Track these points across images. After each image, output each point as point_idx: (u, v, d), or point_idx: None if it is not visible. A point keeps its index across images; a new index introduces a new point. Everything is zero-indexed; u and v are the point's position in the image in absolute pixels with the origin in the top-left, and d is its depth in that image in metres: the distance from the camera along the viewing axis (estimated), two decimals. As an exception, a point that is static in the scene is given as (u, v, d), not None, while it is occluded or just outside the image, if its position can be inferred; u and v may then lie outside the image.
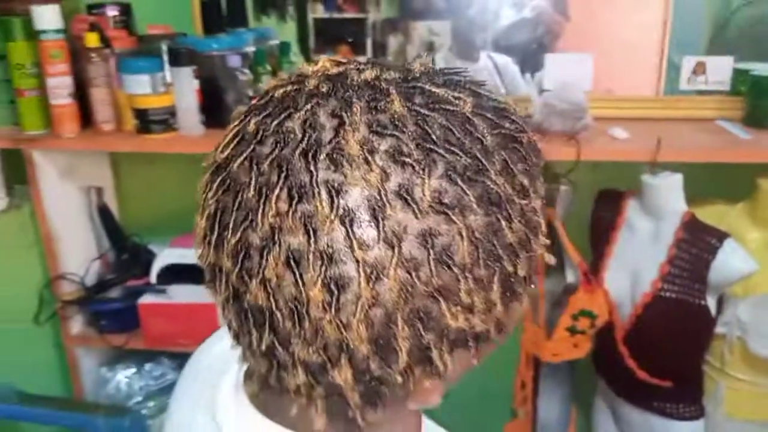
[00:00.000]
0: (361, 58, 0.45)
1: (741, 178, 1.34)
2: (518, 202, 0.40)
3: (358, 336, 0.37)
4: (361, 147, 0.37)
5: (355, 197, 0.36)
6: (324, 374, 0.39)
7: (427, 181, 0.37)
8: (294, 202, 0.36)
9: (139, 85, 1.46)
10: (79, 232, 1.68)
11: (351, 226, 0.36)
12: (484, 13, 1.70)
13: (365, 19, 1.75)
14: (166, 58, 1.49)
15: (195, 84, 1.47)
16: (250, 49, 1.57)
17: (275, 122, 0.39)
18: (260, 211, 0.37)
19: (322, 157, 0.37)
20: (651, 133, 1.39)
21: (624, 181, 1.46)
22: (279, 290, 0.37)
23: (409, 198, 0.36)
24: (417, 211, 0.36)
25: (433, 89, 0.40)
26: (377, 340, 0.38)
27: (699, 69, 1.48)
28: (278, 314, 0.38)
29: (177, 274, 1.59)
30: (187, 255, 1.57)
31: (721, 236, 1.25)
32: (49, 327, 1.63)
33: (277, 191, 0.37)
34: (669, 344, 1.33)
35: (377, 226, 0.36)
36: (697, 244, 1.27)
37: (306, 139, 0.37)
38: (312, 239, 0.36)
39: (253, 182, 0.38)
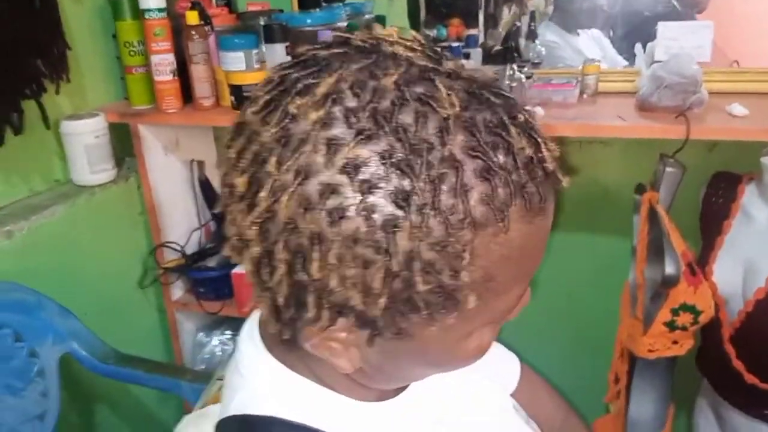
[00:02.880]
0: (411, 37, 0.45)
1: None
2: (437, 222, 0.38)
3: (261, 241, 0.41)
4: (329, 93, 0.39)
5: (302, 126, 0.39)
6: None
7: (355, 145, 0.38)
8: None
9: (235, 62, 1.48)
10: (182, 203, 1.75)
11: (286, 146, 0.40)
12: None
13: None
14: (261, 34, 1.51)
15: (288, 60, 1.48)
16: (343, 23, 1.56)
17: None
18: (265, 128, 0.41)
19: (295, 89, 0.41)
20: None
21: (744, 164, 1.31)
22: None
23: (332, 148, 0.38)
24: (329, 163, 0.38)
25: (437, 83, 0.40)
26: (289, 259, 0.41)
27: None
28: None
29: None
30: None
31: None
32: (152, 292, 1.73)
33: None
34: (785, 347, 1.18)
35: (294, 158, 0.39)
36: (824, 236, 1.11)
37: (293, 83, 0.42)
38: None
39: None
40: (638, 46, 1.45)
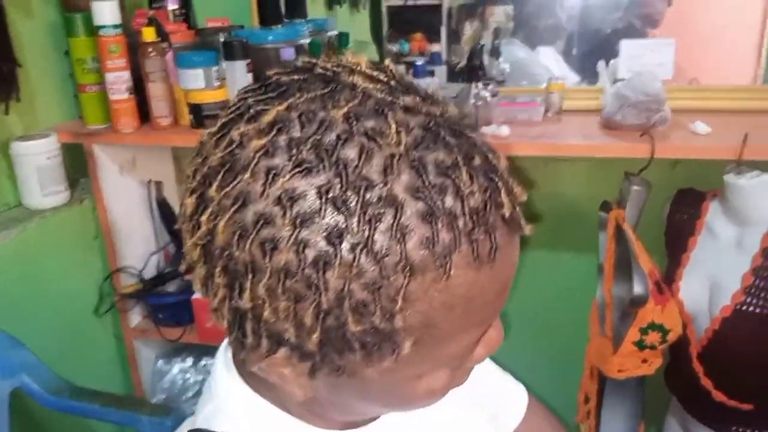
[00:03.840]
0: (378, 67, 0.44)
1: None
2: (370, 262, 0.37)
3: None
4: (276, 121, 0.38)
5: (246, 152, 0.39)
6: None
7: (292, 177, 0.37)
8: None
9: (194, 80, 1.44)
10: (140, 225, 1.69)
11: (229, 171, 0.39)
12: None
13: (440, 6, 1.70)
14: (221, 51, 1.48)
15: (249, 78, 1.44)
16: (306, 41, 1.53)
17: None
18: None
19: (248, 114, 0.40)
20: (738, 126, 1.24)
21: (707, 181, 1.32)
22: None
23: (270, 178, 0.37)
24: (266, 193, 0.37)
25: (389, 118, 0.38)
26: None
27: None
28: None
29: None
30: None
31: (818, 246, 1.10)
32: (109, 319, 1.66)
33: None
34: (750, 364, 1.18)
35: (233, 184, 0.38)
36: (788, 253, 1.12)
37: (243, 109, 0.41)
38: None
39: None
40: (601, 64, 1.46)
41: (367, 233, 0.36)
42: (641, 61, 1.40)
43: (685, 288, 1.28)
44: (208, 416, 0.53)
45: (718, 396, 1.22)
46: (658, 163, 1.21)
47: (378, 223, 0.36)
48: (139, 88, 1.50)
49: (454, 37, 1.75)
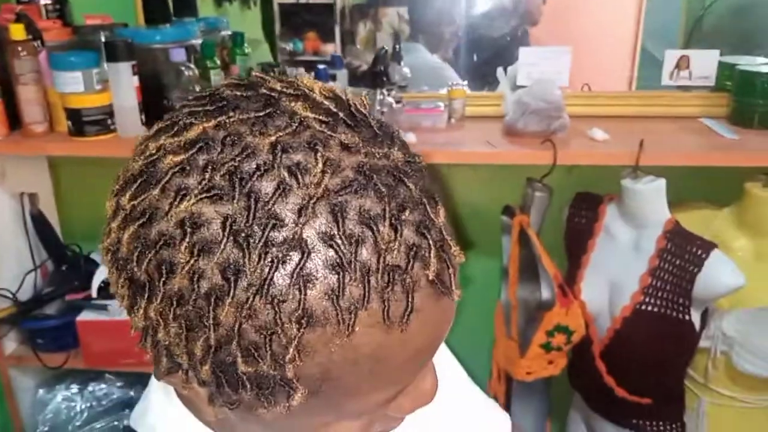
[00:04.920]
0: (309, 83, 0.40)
1: (727, 180, 1.26)
2: (265, 306, 0.34)
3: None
4: (199, 138, 0.36)
5: (163, 165, 0.36)
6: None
7: (198, 201, 0.34)
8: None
9: (72, 83, 1.31)
10: (12, 242, 1.53)
11: (144, 182, 0.37)
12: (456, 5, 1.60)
13: (333, 5, 1.66)
14: (103, 51, 1.35)
15: (134, 81, 1.33)
16: (198, 41, 1.44)
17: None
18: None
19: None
20: (631, 132, 1.30)
21: (602, 185, 1.37)
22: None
23: (178, 198, 0.35)
24: (171, 213, 0.35)
25: (319, 155, 0.35)
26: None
27: (683, 63, 1.38)
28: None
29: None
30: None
31: (708, 247, 1.16)
32: (-20, 347, 1.49)
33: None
34: (649, 361, 1.24)
35: (143, 197, 0.36)
36: (681, 254, 1.18)
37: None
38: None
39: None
40: (500, 70, 1.47)
41: (265, 274, 0.33)
42: (539, 68, 1.42)
43: (586, 289, 1.32)
44: (135, 416, 0.52)
45: (621, 392, 1.27)
46: (556, 169, 1.24)
47: (280, 266, 0.33)
48: (7, 91, 1.35)
49: (349, 37, 1.72)
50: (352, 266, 0.34)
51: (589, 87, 1.54)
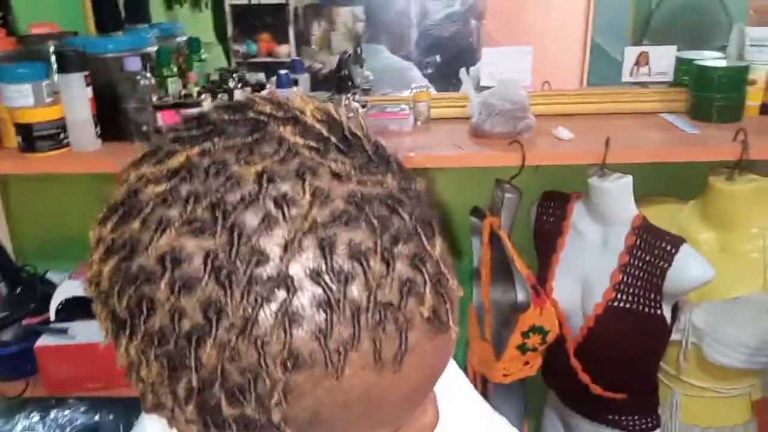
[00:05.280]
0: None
1: (690, 174, 1.28)
2: (248, 347, 0.32)
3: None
4: (182, 167, 0.34)
5: (145, 195, 0.35)
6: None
7: (179, 235, 0.33)
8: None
9: (20, 96, 1.25)
10: (-39, 265, 1.45)
11: (126, 213, 0.36)
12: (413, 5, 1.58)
13: (286, 5, 1.63)
14: (52, 62, 1.29)
15: (88, 92, 1.28)
16: (152, 48, 1.39)
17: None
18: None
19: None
20: (595, 130, 1.30)
21: (567, 183, 1.37)
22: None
23: (159, 231, 0.33)
24: (152, 246, 0.33)
25: (306, 184, 0.33)
26: None
27: (642, 60, 1.40)
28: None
29: (81, 307, 1.40)
30: (92, 285, 1.38)
31: (677, 242, 1.17)
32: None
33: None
34: (623, 356, 1.25)
35: (123, 228, 0.35)
36: (650, 250, 1.19)
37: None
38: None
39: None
40: (463, 71, 1.46)
41: (248, 314, 0.31)
42: (501, 68, 1.42)
43: (558, 288, 1.32)
44: None
45: (596, 389, 1.28)
46: (522, 168, 1.24)
47: (264, 305, 0.32)
48: (-51, 106, 1.28)
49: (303, 38, 1.70)
50: (341, 304, 0.32)
51: (549, 85, 1.55)
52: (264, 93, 1.37)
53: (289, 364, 0.32)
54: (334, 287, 0.32)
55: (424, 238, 0.35)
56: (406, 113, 1.36)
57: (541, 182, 1.42)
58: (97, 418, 1.56)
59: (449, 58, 1.62)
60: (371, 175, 0.35)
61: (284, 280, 0.32)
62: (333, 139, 0.36)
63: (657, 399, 1.33)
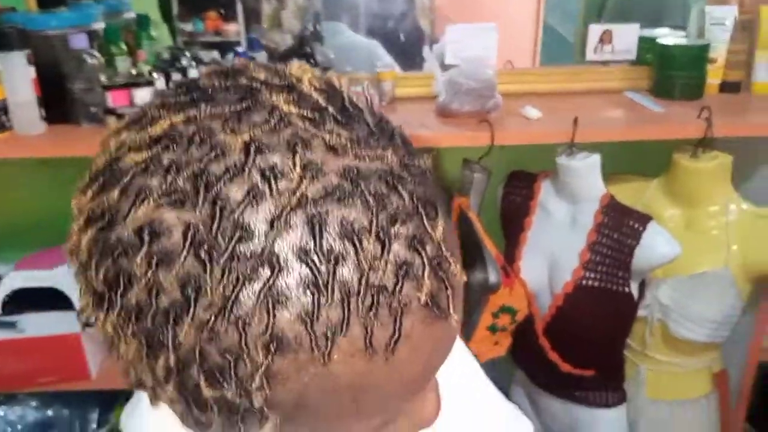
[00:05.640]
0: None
1: (654, 152, 1.29)
2: (228, 327, 0.30)
3: None
4: (164, 135, 0.32)
5: (125, 163, 0.33)
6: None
7: (159, 205, 0.30)
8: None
9: (-45, 76, 1.16)
10: None
11: (107, 181, 0.34)
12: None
13: None
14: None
15: (30, 71, 1.20)
16: (100, 25, 1.31)
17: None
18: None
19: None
20: (561, 109, 1.30)
21: (533, 162, 1.37)
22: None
23: (138, 202, 0.31)
24: (130, 217, 0.31)
25: (297, 157, 0.31)
26: None
27: (606, 38, 1.39)
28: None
29: (29, 300, 1.33)
30: (39, 276, 1.31)
31: (644, 219, 1.18)
32: None
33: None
34: (592, 334, 1.26)
35: (102, 198, 0.33)
36: (618, 228, 1.20)
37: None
38: None
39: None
40: (426, 49, 1.44)
41: (228, 292, 0.29)
42: (465, 45, 1.39)
43: (526, 267, 1.32)
44: (124, 415, 0.51)
45: (565, 367, 1.29)
46: (490, 147, 1.22)
47: (246, 284, 0.29)
48: None
49: (254, 16, 1.65)
50: (330, 286, 0.30)
51: (512, 64, 1.54)
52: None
53: (272, 347, 0.30)
54: (322, 267, 0.30)
55: (425, 219, 0.32)
56: (372, 93, 1.32)
57: (506, 162, 1.40)
58: (50, 413, 1.49)
59: (407, 37, 1.59)
60: (370, 149, 0.32)
61: (269, 258, 0.29)
62: (331, 109, 0.33)
63: (623, 375, 1.35)
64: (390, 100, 1.36)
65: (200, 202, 0.30)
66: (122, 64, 1.30)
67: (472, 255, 1.31)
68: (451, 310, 0.33)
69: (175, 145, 0.31)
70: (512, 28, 1.62)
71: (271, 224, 0.30)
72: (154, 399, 0.36)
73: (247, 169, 0.30)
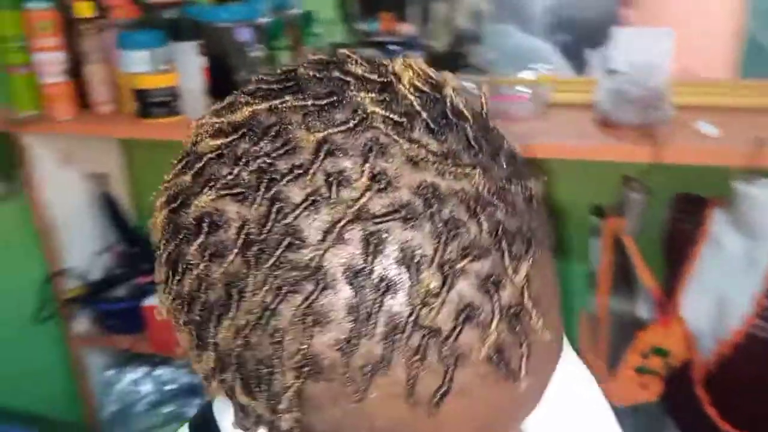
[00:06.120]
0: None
1: None
2: (263, 339, 0.28)
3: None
4: (244, 123, 0.31)
5: (202, 147, 0.32)
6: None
7: (222, 196, 0.29)
8: None
9: (138, 63, 1.28)
10: (83, 223, 1.52)
11: (184, 165, 0.33)
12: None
13: None
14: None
15: (201, 61, 1.28)
16: (265, 20, 1.36)
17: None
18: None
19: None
20: (742, 127, 1.11)
21: (702, 186, 1.19)
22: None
23: (206, 189, 0.30)
24: (195, 205, 0.30)
25: (370, 162, 0.28)
26: None
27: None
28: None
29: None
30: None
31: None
32: (53, 325, 1.50)
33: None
34: (761, 394, 1.07)
35: (176, 179, 0.32)
36: (806, 274, 1.00)
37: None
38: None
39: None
40: (591, 53, 1.31)
41: (268, 301, 0.28)
42: (636, 51, 1.25)
43: (688, 304, 1.15)
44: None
45: (724, 426, 1.11)
46: (651, 166, 1.08)
47: (287, 295, 0.27)
48: (76, 70, 1.32)
49: (425, 17, 1.61)
50: (374, 317, 0.27)
51: (692, 74, 1.35)
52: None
53: (304, 371, 0.28)
54: (369, 294, 0.27)
55: (506, 256, 0.28)
56: (525, 96, 1.23)
57: (672, 183, 1.24)
58: (198, 380, 1.61)
59: (576, 39, 1.47)
60: (459, 166, 0.28)
61: (315, 272, 0.27)
62: (424, 114, 0.29)
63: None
64: (545, 105, 1.26)
65: (259, 198, 0.28)
66: (284, 58, 1.35)
67: (622, 283, 1.19)
68: (523, 372, 0.28)
69: (251, 135, 0.30)
70: (705, 34, 1.43)
71: (324, 235, 0.27)
72: (208, 388, 0.35)
73: (312, 171, 0.28)
